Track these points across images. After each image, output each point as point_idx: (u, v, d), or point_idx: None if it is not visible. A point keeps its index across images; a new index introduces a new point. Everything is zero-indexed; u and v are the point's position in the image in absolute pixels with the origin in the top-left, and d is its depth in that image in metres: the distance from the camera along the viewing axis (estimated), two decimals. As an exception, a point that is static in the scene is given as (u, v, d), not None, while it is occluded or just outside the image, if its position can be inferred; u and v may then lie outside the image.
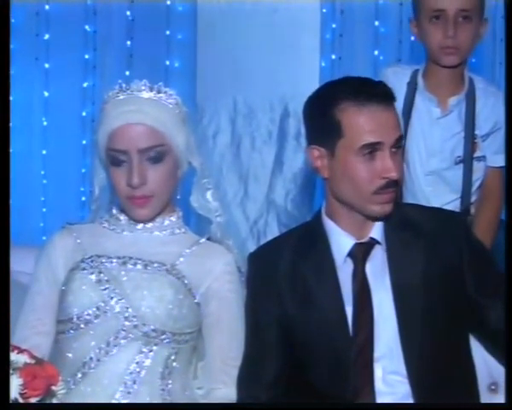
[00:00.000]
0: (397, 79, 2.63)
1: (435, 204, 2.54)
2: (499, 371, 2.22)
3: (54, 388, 1.86)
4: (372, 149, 2.05)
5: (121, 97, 2.17)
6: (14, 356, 1.82)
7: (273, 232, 3.32)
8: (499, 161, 2.68)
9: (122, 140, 2.13)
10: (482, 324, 2.16)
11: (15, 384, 1.79)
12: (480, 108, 2.66)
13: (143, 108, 2.15)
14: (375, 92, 2.07)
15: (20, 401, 1.80)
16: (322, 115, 2.10)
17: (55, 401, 1.90)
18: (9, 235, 1.98)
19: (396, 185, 2.09)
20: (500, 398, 2.24)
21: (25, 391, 1.80)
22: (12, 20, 3.40)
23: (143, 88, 2.17)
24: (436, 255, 2.12)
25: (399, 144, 2.10)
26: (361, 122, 2.05)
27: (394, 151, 2.07)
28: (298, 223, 2.44)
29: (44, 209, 3.48)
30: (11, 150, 3.38)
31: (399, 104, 2.57)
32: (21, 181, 3.47)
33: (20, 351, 1.86)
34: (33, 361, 1.85)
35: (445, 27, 2.57)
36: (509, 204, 2.20)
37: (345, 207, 2.13)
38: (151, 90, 2.17)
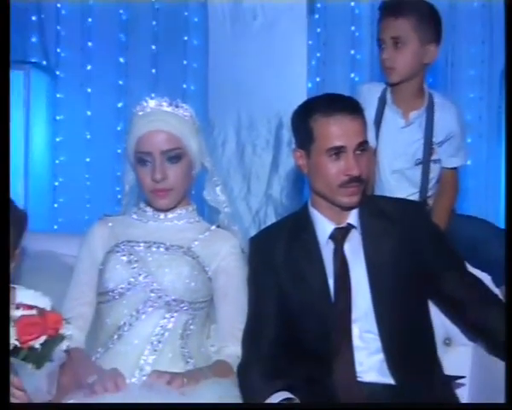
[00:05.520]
0: (370, 95, 2.60)
1: (399, 196, 2.51)
2: (452, 328, 2.25)
3: (60, 331, 1.83)
4: (338, 151, 2.05)
5: (146, 111, 2.17)
6: (12, 312, 1.78)
7: (271, 221, 3.29)
8: (453, 162, 2.65)
9: (147, 144, 2.14)
10: (439, 290, 2.15)
11: (12, 334, 1.75)
12: (437, 120, 2.61)
13: (164, 119, 2.15)
14: (341, 106, 2.06)
15: (19, 345, 1.74)
16: (301, 125, 2.11)
17: (65, 342, 1.87)
18: (9, 238, 1.86)
19: (359, 181, 2.07)
20: (453, 350, 2.26)
21: (18, 337, 1.75)
22: (62, 55, 3.43)
23: (164, 104, 2.17)
24: (403, 237, 2.11)
25: (363, 148, 2.08)
26: (328, 130, 2.05)
27: (359, 153, 2.06)
28: (291, 213, 2.41)
29: (88, 205, 3.48)
30: (63, 158, 3.43)
31: (372, 116, 2.56)
32: (69, 184, 3.48)
33: (21, 307, 1.81)
34: (33, 313, 1.80)
35: (383, 53, 2.54)
36: (508, 207, 2.14)
37: (323, 199, 2.13)
38: (170, 105, 2.18)
